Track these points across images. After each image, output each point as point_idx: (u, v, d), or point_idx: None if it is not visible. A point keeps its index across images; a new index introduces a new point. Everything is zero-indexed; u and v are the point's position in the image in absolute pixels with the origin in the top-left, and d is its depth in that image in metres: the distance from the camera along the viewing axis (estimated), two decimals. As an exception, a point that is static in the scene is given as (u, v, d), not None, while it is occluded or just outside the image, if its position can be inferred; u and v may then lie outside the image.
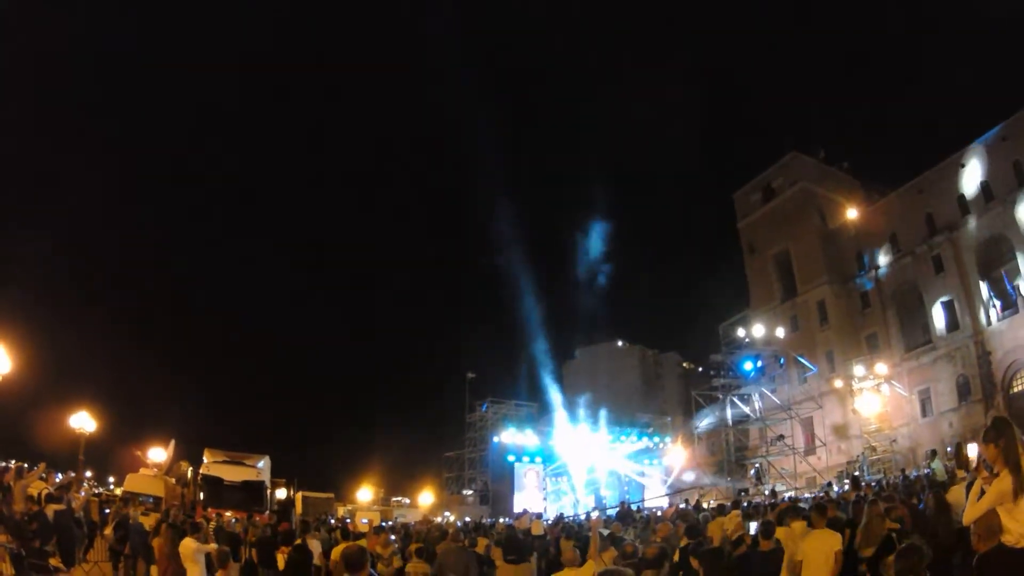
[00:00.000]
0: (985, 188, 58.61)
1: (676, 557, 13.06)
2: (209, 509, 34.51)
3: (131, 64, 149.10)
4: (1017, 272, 55.85)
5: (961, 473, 14.55)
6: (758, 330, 68.72)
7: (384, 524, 41.72)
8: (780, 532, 14.48)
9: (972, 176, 59.79)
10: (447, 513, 66.13)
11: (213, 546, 16.96)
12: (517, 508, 56.30)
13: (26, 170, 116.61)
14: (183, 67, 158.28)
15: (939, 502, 14.57)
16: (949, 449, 43.83)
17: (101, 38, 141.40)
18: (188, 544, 17.03)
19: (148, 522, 24.52)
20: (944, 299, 61.69)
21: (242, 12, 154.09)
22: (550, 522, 34.02)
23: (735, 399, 67.49)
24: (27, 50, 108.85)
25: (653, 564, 10.55)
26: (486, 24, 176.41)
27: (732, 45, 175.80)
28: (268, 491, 41.12)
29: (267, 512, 37.66)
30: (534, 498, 65.57)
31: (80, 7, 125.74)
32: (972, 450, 33.66)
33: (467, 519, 50.19)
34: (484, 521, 47.69)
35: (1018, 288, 55.91)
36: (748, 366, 65.29)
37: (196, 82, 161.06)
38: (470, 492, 73.74)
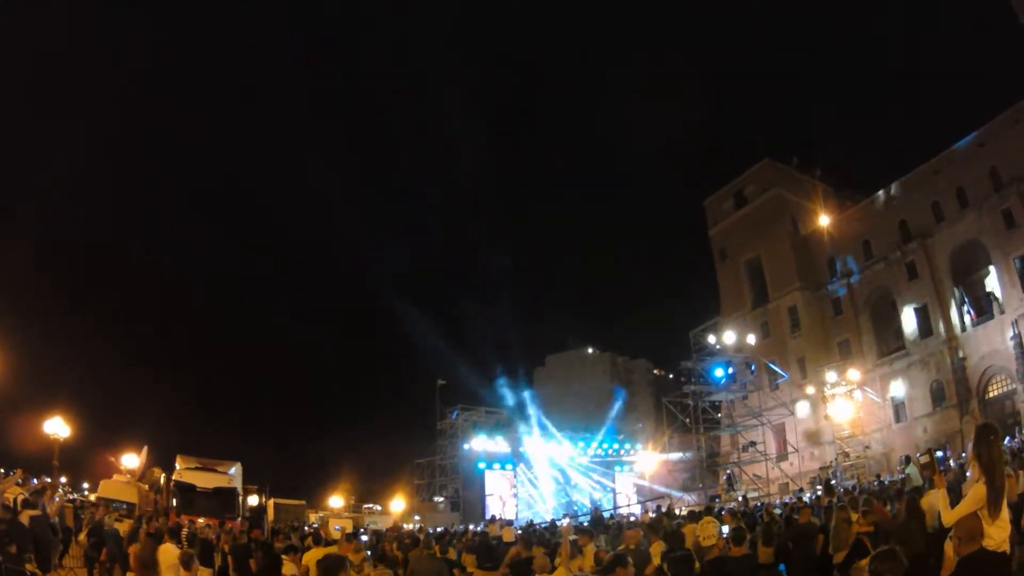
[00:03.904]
0: (960, 195, 58.76)
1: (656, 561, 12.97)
2: (182, 516, 34.27)
3: (121, 63, 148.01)
4: (992, 278, 56.18)
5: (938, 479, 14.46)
6: (729, 337, 68.56)
7: (357, 530, 41.58)
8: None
9: (947, 183, 59.94)
10: (416, 517, 65.94)
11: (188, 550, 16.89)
12: (488, 515, 56.25)
13: (3, 170, 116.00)
14: (170, 66, 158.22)
15: (911, 507, 14.50)
16: (919, 455, 43.90)
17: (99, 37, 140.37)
18: (171, 551, 16.90)
19: (122, 528, 24.33)
20: (917, 305, 61.87)
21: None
22: (520, 529, 33.94)
23: (706, 405, 67.44)
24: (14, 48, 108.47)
25: (607, 570, 10.43)
26: (474, 23, 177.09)
27: (704, 54, 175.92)
28: (240, 498, 40.88)
29: (239, 519, 37.43)
30: (505, 504, 65.54)
31: (77, 6, 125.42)
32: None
33: (440, 528, 50.05)
34: (456, 528, 47.69)
35: (992, 294, 56.16)
36: (719, 372, 65.14)
37: (185, 81, 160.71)
38: (441, 499, 73.59)
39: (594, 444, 74.27)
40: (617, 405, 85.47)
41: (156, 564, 17.14)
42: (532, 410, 75.62)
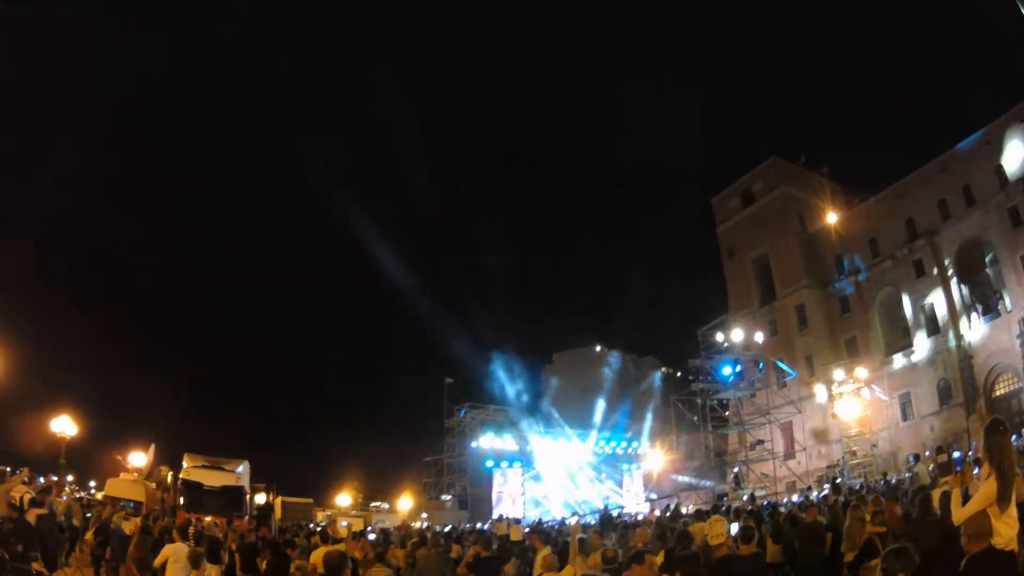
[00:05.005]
0: (967, 192, 58.67)
1: (660, 558, 12.91)
2: (189, 514, 34.26)
3: (125, 65, 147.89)
4: (998, 276, 56.07)
5: (944, 478, 14.47)
6: (737, 334, 68.42)
7: (365, 529, 41.59)
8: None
9: (953, 180, 59.87)
10: (424, 515, 65.93)
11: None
12: (495, 513, 56.28)
13: (6, 171, 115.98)
14: (170, 65, 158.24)
15: (924, 505, 14.46)
16: (928, 453, 43.83)
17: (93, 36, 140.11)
18: (181, 549, 16.97)
19: (129, 527, 24.39)
20: (925, 303, 61.72)
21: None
22: (528, 528, 33.93)
23: (714, 403, 67.38)
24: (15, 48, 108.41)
25: (624, 566, 10.46)
26: (475, 24, 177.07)
27: (710, 53, 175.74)
28: (247, 496, 40.81)
29: (247, 517, 37.45)
30: (513, 503, 65.54)
31: (83, 7, 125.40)
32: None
33: (448, 526, 50.03)
34: (463, 526, 47.69)
35: (999, 292, 56.08)
36: (727, 370, 64.83)
37: (185, 81, 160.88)
38: (449, 497, 73.53)
39: (602, 442, 74.32)
40: (624, 403, 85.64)
41: (151, 562, 17.27)
42: (540, 408, 75.66)
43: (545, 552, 16.25)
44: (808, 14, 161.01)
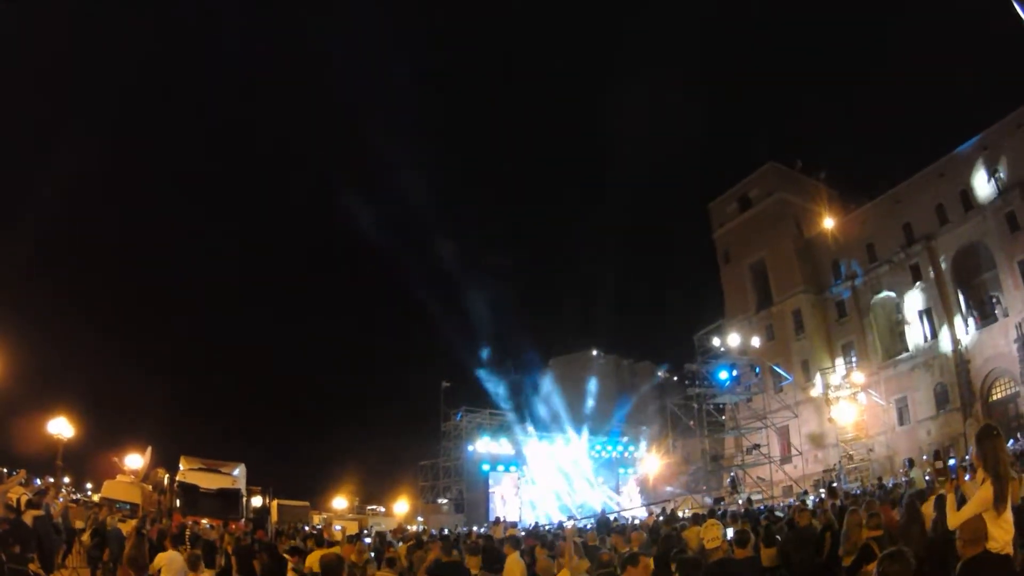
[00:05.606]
0: (964, 197, 58.69)
1: (652, 565, 12.89)
2: (186, 516, 34.20)
3: (125, 64, 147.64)
4: (995, 281, 56.08)
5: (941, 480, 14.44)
6: (733, 339, 68.24)
7: (360, 532, 41.52)
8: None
9: (951, 185, 59.88)
10: (420, 519, 65.82)
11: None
12: (492, 516, 56.22)
13: (4, 171, 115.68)
14: (179, 68, 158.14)
15: (911, 511, 14.45)
16: (925, 457, 43.79)
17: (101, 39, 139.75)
18: (176, 557, 16.93)
19: (126, 529, 24.36)
20: (922, 308, 61.68)
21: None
22: (524, 531, 33.89)
23: (710, 408, 67.36)
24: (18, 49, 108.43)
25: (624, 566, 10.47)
26: (475, 23, 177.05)
27: (708, 55, 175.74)
28: (244, 499, 40.75)
29: (243, 520, 37.38)
30: (509, 506, 65.49)
31: (83, 7, 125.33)
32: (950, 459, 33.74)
33: (446, 530, 49.96)
34: (459, 530, 47.63)
35: (996, 297, 56.10)
36: (723, 375, 64.62)
37: (184, 81, 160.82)
38: (445, 501, 73.39)
39: (598, 445, 74.32)
40: (621, 407, 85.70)
41: (148, 566, 17.24)
42: (536, 412, 75.61)
43: (514, 556, 16.20)
44: (808, 14, 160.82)
